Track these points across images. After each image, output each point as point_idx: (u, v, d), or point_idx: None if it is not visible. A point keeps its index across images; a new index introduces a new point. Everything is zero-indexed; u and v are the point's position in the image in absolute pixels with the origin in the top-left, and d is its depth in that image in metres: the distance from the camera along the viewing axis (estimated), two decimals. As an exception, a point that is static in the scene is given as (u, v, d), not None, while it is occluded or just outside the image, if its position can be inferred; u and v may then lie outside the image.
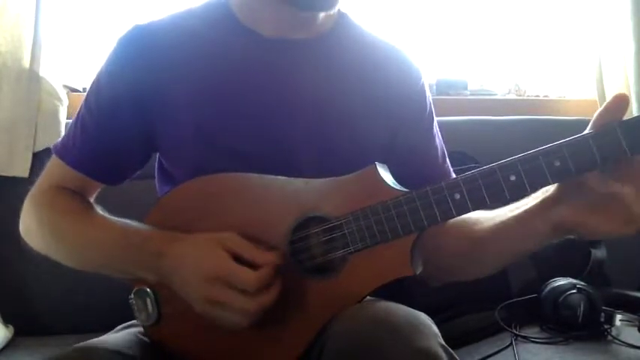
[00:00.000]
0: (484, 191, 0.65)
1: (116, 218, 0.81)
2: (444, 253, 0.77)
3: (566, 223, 0.65)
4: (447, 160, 0.92)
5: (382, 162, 0.74)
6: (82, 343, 0.71)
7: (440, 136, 0.92)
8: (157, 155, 0.89)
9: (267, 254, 0.70)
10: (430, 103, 0.91)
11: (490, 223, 0.75)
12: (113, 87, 0.82)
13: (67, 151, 0.86)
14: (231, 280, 0.68)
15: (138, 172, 0.90)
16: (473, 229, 0.77)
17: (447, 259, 0.78)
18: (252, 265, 0.68)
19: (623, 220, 0.61)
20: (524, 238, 0.71)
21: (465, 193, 0.66)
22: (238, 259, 0.69)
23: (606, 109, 0.62)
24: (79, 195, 0.86)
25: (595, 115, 0.63)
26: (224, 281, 0.68)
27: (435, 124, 0.91)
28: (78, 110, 0.86)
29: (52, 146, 0.89)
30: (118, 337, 0.78)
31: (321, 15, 0.80)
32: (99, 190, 0.90)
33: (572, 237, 0.68)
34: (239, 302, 0.67)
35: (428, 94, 0.91)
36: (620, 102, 0.62)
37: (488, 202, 0.66)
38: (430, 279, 0.83)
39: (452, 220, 0.70)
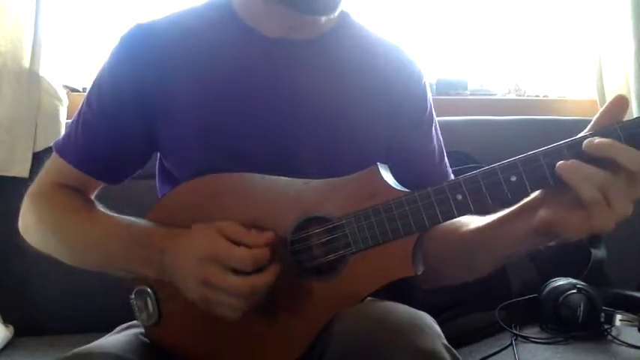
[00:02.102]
0: (485, 192, 0.65)
1: (118, 215, 0.81)
2: (432, 257, 0.77)
3: (546, 224, 0.65)
4: (446, 160, 0.92)
5: (383, 162, 0.75)
6: (80, 348, 0.70)
7: (439, 136, 0.92)
8: (158, 155, 0.89)
9: (262, 235, 0.70)
10: (430, 104, 0.91)
11: (475, 225, 0.74)
12: (115, 85, 0.82)
13: (67, 148, 0.85)
14: (226, 260, 0.67)
15: (138, 172, 0.89)
16: (460, 232, 0.76)
17: (435, 263, 0.78)
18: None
19: (604, 215, 0.60)
20: (507, 241, 0.71)
21: (466, 193, 0.66)
22: (234, 243, 0.69)
23: (606, 110, 0.62)
24: (79, 192, 0.86)
25: (596, 116, 0.63)
26: (219, 261, 0.68)
27: (435, 124, 0.91)
28: (79, 108, 0.86)
29: (52, 143, 0.88)
30: (117, 339, 0.78)
31: (323, 17, 0.80)
32: (99, 188, 0.89)
33: (552, 243, 0.67)
34: (234, 283, 0.67)
35: (429, 95, 0.91)
36: (620, 103, 0.62)
37: (490, 203, 0.66)
38: (421, 282, 0.83)
39: (440, 225, 0.70)
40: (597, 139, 0.60)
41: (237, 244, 0.69)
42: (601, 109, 0.63)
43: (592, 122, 0.63)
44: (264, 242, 0.69)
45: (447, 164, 0.92)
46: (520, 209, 0.69)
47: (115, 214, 0.81)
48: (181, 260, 0.71)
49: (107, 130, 0.83)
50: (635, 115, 1.53)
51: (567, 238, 0.64)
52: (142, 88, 0.80)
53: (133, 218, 0.79)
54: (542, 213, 0.65)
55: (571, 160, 0.61)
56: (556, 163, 0.62)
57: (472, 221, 0.75)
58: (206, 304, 0.70)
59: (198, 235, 0.71)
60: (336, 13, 0.78)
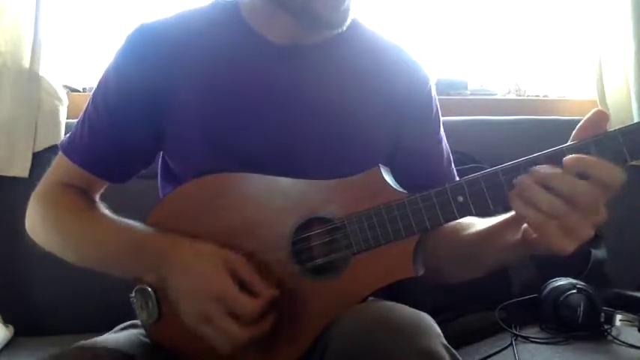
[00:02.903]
0: (486, 194, 0.65)
1: (120, 218, 0.81)
2: (437, 256, 0.78)
3: (527, 234, 0.65)
4: (453, 164, 0.91)
5: (387, 165, 0.75)
6: (82, 342, 0.71)
7: (446, 140, 0.92)
8: (161, 154, 0.89)
9: (269, 289, 0.69)
10: (437, 107, 0.91)
11: (476, 229, 0.75)
12: (120, 85, 0.82)
13: (73, 148, 0.86)
14: (230, 305, 0.68)
15: (142, 172, 0.90)
16: (461, 234, 0.77)
17: (440, 262, 0.79)
18: (251, 291, 0.69)
19: (559, 238, 0.61)
20: (504, 247, 0.71)
21: (467, 195, 0.66)
22: (239, 282, 0.69)
23: (585, 125, 0.62)
24: (84, 193, 0.86)
25: (574, 130, 0.63)
26: (224, 304, 0.68)
27: (442, 128, 0.91)
28: (85, 108, 0.87)
29: (58, 143, 0.89)
30: (118, 336, 0.79)
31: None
32: (104, 187, 0.90)
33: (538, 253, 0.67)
34: (231, 329, 0.68)
35: (435, 97, 0.91)
36: (598, 118, 0.62)
37: (490, 206, 0.66)
38: (426, 280, 0.83)
39: (445, 226, 0.70)
40: (538, 169, 0.61)
41: (243, 283, 0.69)
42: (579, 125, 0.63)
43: (572, 135, 0.63)
44: (270, 296, 0.69)
45: (454, 168, 0.92)
46: (514, 216, 0.69)
47: (117, 217, 0.82)
48: (181, 280, 0.72)
49: (112, 129, 0.83)
50: (635, 115, 1.54)
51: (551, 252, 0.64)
52: (146, 87, 0.80)
53: (134, 222, 0.80)
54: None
55: (519, 182, 0.62)
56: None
57: (475, 223, 0.76)
58: (198, 330, 0.70)
59: (205, 261, 0.71)
60: (344, 28, 0.77)
